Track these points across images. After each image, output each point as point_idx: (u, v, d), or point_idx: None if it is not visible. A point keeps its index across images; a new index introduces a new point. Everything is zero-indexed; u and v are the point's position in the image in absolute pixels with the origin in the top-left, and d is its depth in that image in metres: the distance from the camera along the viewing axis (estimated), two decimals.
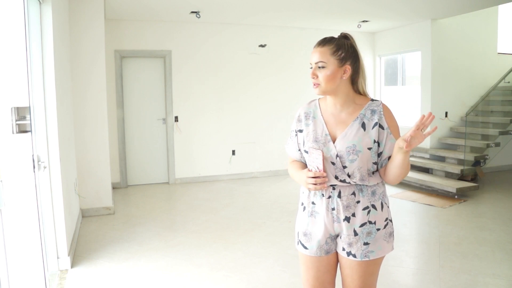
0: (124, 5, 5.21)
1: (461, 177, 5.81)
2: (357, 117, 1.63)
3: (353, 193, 1.63)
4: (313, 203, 1.70)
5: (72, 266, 3.29)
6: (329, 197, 1.65)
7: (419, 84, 6.67)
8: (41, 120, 2.99)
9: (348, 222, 1.64)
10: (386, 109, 1.63)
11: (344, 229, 1.65)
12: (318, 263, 1.74)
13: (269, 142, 6.96)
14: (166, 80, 6.36)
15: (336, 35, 1.71)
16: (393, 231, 1.71)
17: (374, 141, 1.60)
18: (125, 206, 5.18)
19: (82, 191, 4.55)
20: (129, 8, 5.36)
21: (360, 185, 1.63)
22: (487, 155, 6.13)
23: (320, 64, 1.62)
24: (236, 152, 6.79)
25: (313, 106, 1.75)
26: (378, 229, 1.65)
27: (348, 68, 1.62)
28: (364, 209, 1.63)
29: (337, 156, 1.61)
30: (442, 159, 6.34)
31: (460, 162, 5.98)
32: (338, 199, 1.64)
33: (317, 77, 1.62)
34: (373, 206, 1.64)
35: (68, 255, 3.25)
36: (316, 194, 1.69)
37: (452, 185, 5.42)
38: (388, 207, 1.70)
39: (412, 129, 1.45)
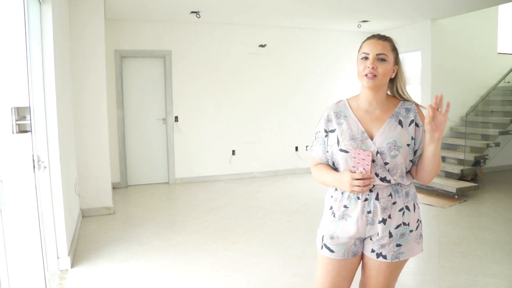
0: (124, 5, 5.21)
1: (461, 177, 5.81)
2: (393, 115, 1.65)
3: (390, 195, 1.63)
4: (345, 206, 1.67)
5: (72, 266, 3.29)
6: (366, 199, 1.63)
7: (419, 84, 6.67)
8: (41, 120, 2.99)
9: (384, 224, 1.62)
10: (419, 109, 1.68)
11: (380, 231, 1.63)
12: (341, 268, 1.71)
13: (269, 142, 6.96)
14: (166, 80, 6.36)
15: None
16: (421, 232, 1.73)
17: (412, 138, 1.63)
18: (125, 206, 5.18)
19: (82, 191, 4.55)
20: (129, 8, 5.36)
21: (395, 185, 1.64)
22: (487, 155, 6.13)
23: (381, 57, 1.61)
24: (236, 152, 6.79)
25: (342, 106, 1.73)
26: (411, 231, 1.66)
27: (396, 68, 1.67)
28: (399, 210, 1.64)
29: (377, 152, 1.60)
30: (442, 159, 6.29)
31: (460, 162, 5.98)
32: (376, 201, 1.62)
33: (377, 68, 1.61)
34: (407, 208, 1.65)
35: (68, 255, 3.25)
36: (350, 197, 1.65)
37: (452, 185, 5.42)
38: (418, 208, 1.72)
39: (428, 111, 1.50)
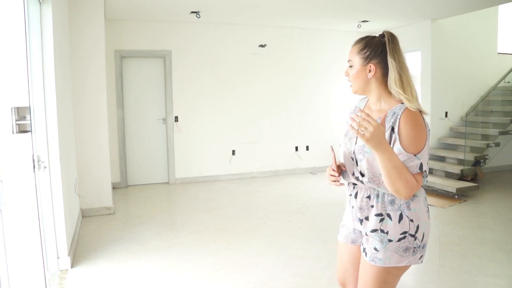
0: (124, 5, 5.21)
1: (461, 177, 5.81)
2: (379, 118, 1.56)
3: (368, 197, 1.62)
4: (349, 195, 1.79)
5: (72, 266, 3.29)
6: (350, 194, 1.71)
7: (419, 84, 6.67)
8: (41, 120, 2.99)
9: (361, 224, 1.66)
10: (405, 115, 1.49)
11: (361, 228, 1.69)
12: (344, 250, 1.80)
13: (269, 142, 6.97)
14: (166, 80, 6.36)
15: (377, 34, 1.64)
16: (412, 247, 1.56)
17: None
18: (125, 206, 5.18)
19: (82, 191, 4.55)
20: (129, 8, 5.36)
21: (377, 189, 1.59)
22: (487, 155, 6.13)
23: (348, 63, 1.65)
24: (236, 152, 6.79)
25: (362, 102, 1.77)
26: (390, 240, 1.56)
27: (372, 66, 1.58)
28: (377, 215, 1.59)
29: (353, 152, 1.63)
30: (442, 159, 6.34)
31: (460, 162, 5.98)
32: (354, 199, 1.67)
33: (349, 75, 1.65)
34: (388, 216, 1.57)
35: (68, 255, 3.25)
36: (347, 190, 1.76)
37: (452, 185, 5.42)
38: (411, 221, 1.55)
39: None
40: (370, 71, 1.58)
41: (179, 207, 5.22)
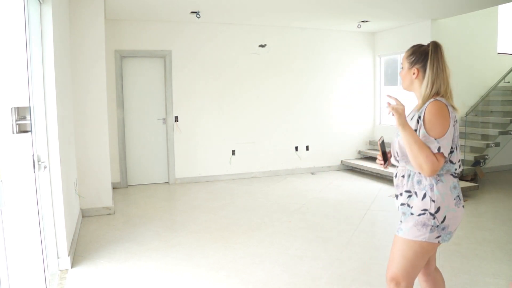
0: (124, 5, 5.21)
1: (461, 177, 5.81)
2: (416, 110, 1.91)
3: (403, 176, 1.92)
4: None
5: (72, 266, 3.29)
6: (394, 176, 2.03)
7: None
8: (41, 120, 2.99)
9: (397, 199, 1.97)
10: (430, 106, 1.80)
11: (396, 203, 1.99)
12: None
13: (269, 142, 6.96)
14: (166, 80, 6.36)
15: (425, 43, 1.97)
16: (430, 225, 1.80)
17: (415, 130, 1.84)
18: (125, 206, 5.18)
19: (82, 191, 4.55)
20: (129, 8, 5.36)
21: (411, 171, 1.88)
22: (487, 155, 6.14)
23: (401, 65, 2.00)
24: (236, 152, 6.79)
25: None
26: (412, 214, 1.84)
27: (416, 70, 1.91)
28: (406, 191, 1.90)
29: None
30: None
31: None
32: (395, 178, 1.99)
33: (401, 75, 2.01)
34: (415, 193, 1.85)
35: (68, 255, 3.25)
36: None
37: None
38: (433, 201, 1.79)
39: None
40: (414, 73, 1.93)
41: (179, 207, 5.22)
